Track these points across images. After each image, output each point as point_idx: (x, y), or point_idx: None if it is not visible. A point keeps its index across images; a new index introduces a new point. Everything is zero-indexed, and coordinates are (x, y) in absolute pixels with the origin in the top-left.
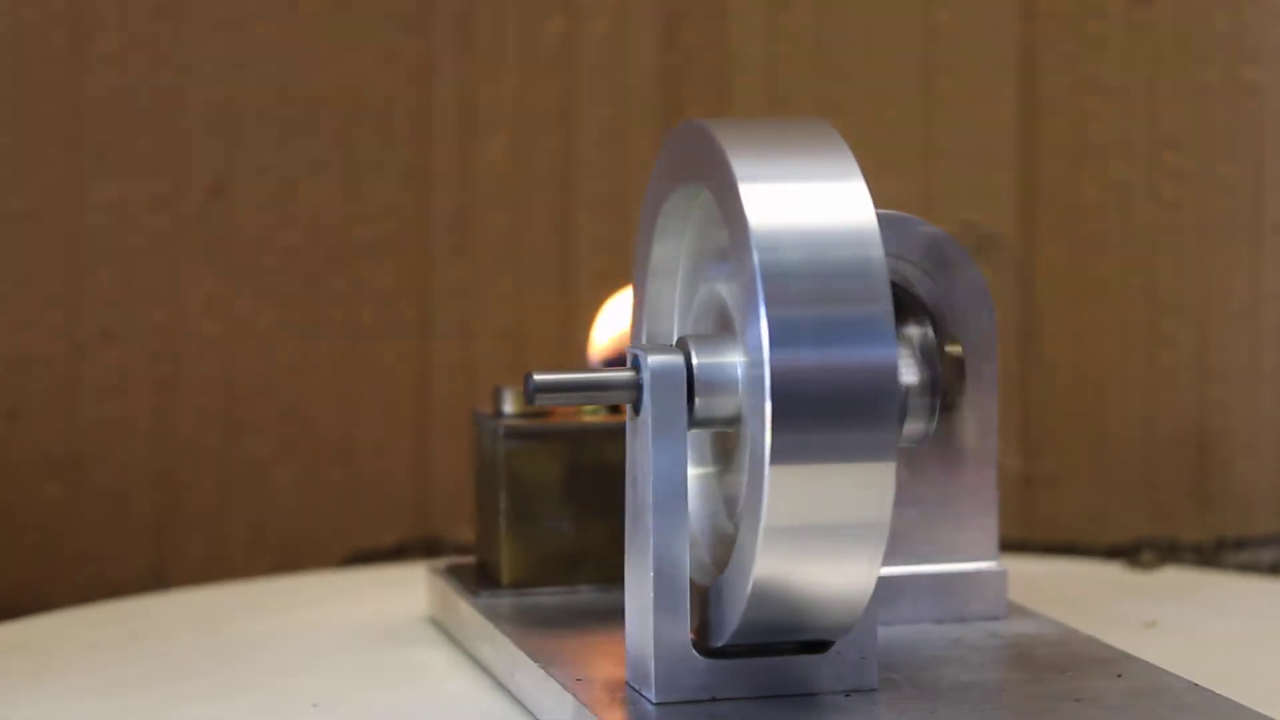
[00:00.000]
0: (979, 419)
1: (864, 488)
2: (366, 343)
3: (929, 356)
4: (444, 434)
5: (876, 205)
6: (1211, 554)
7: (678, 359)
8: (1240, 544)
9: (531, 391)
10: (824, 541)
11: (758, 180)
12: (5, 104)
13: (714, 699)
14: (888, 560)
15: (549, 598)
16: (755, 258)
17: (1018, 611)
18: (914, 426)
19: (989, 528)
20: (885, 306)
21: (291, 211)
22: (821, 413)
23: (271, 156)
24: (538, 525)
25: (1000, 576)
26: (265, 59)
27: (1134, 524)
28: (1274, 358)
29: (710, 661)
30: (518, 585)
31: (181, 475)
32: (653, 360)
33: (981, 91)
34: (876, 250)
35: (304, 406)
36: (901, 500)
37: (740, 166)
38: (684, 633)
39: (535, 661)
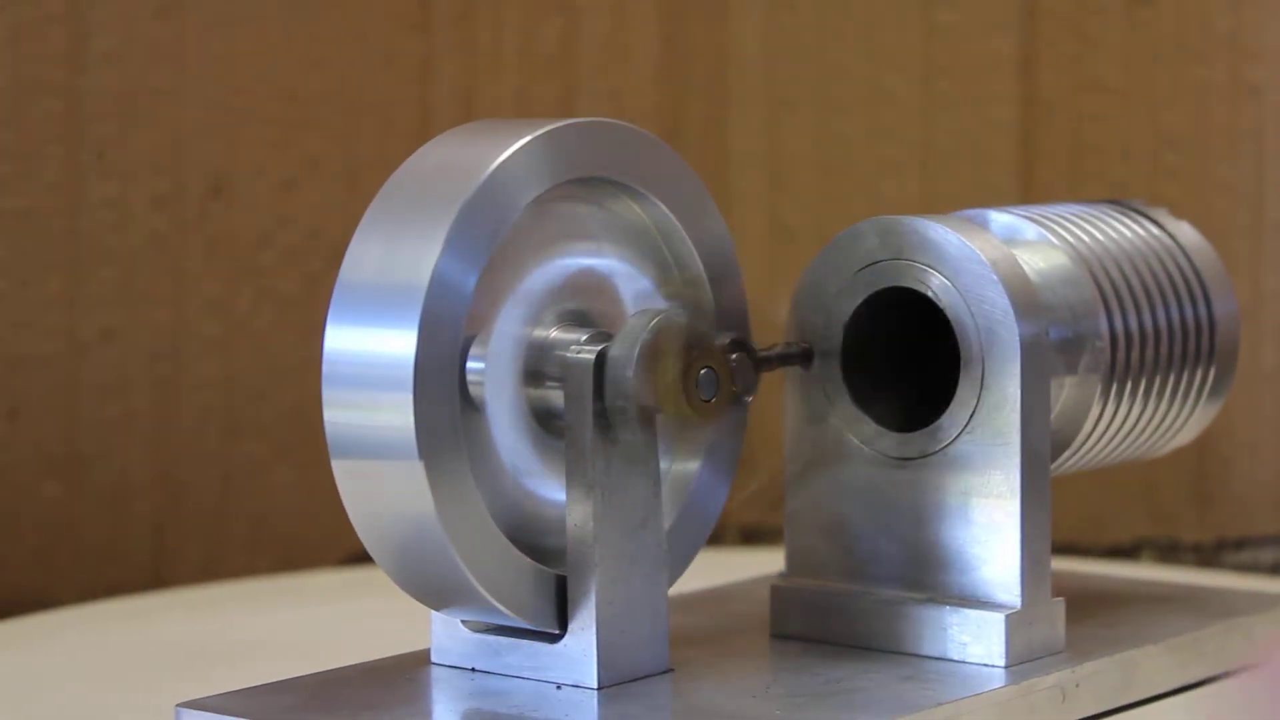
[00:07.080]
0: (1002, 448)
1: (399, 485)
2: None
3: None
4: None
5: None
6: (1211, 554)
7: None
8: (1240, 544)
9: None
10: (393, 535)
11: (402, 175)
12: (4, 103)
13: (474, 669)
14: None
15: None
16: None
17: (1030, 661)
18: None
19: (1009, 566)
20: (414, 320)
21: (291, 211)
22: (362, 409)
23: (271, 156)
24: None
25: (998, 621)
26: (265, 59)
27: (1134, 524)
28: (1274, 358)
29: (476, 636)
30: None
31: (181, 475)
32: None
33: (981, 91)
34: (432, 251)
35: (304, 406)
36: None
37: (409, 161)
38: None
39: None
